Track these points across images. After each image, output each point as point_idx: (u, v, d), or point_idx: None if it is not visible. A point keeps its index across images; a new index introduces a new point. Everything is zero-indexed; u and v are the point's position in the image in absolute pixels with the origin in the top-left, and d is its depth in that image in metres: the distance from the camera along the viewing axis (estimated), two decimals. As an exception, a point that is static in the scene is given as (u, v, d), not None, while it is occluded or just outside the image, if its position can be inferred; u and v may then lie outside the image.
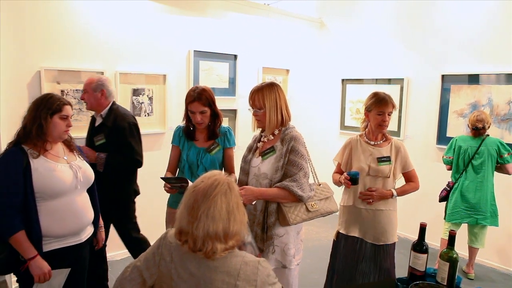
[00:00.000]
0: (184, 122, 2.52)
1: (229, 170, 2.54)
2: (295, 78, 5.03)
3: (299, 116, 5.11)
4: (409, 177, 2.59)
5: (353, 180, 2.44)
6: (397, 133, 4.46)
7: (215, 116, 2.49)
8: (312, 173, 2.26)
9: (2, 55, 2.94)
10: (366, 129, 2.62)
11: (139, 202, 3.81)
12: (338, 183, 2.60)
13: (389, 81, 4.60)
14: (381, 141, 2.57)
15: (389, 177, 2.49)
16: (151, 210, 3.85)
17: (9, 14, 2.96)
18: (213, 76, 4.28)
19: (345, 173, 2.49)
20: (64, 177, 2.00)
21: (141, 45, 3.68)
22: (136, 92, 3.74)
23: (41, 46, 3.14)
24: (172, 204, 2.57)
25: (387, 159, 2.50)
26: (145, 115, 3.83)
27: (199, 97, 2.38)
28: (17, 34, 3.02)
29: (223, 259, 1.26)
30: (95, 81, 2.83)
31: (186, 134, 2.50)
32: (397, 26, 4.49)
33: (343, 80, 5.06)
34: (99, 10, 3.40)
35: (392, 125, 4.51)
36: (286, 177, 2.05)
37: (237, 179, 2.34)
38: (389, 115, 2.50)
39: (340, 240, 2.66)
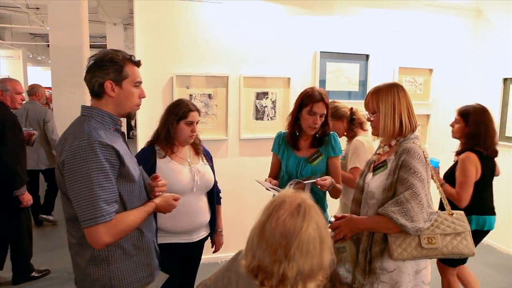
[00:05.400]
0: (289, 127, 2.32)
1: (335, 182, 2.26)
2: (441, 79, 4.32)
3: (442, 124, 4.39)
4: None
5: None
6: None
7: (325, 123, 2.25)
8: (441, 197, 1.81)
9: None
10: None
11: (245, 207, 3.78)
12: None
13: None
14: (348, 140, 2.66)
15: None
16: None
17: (144, 28, 3.31)
18: (341, 79, 4.00)
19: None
20: (182, 178, 2.13)
21: (265, 48, 3.67)
22: (259, 96, 3.75)
23: (173, 55, 3.41)
24: None
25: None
26: (268, 119, 3.80)
27: (324, 98, 2.19)
28: (151, 45, 3.35)
29: None
30: None
31: (289, 141, 2.30)
32: None
33: (505, 79, 4.10)
34: (224, 15, 3.52)
35: None
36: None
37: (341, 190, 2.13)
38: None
39: None
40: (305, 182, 2.05)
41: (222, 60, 3.56)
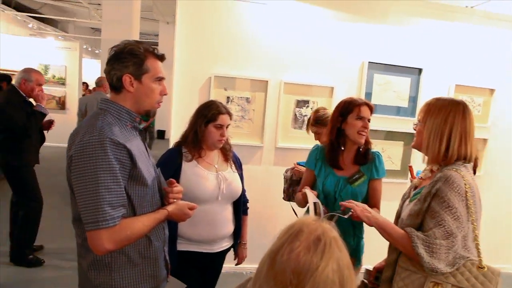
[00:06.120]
0: (329, 141, 2.11)
1: (373, 206, 2.04)
2: (502, 100, 3.91)
3: (501, 149, 3.98)
4: None
5: None
6: None
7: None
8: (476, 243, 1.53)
9: (178, 63, 3.26)
10: None
11: (275, 218, 3.61)
12: None
13: None
14: None
15: None
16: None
17: (185, 26, 3.26)
18: (389, 92, 3.73)
19: None
20: (207, 185, 2.01)
21: (309, 54, 3.49)
22: (299, 104, 3.58)
23: (213, 55, 3.33)
24: None
25: None
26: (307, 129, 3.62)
27: (367, 102, 2.05)
28: (192, 43, 3.29)
29: None
30: None
31: (329, 158, 2.10)
32: None
33: None
34: (268, 18, 3.39)
35: None
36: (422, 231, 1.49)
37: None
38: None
39: None
40: (345, 217, 1.74)
41: (263, 63, 3.43)
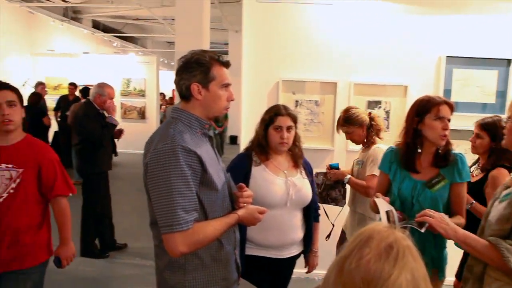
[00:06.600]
0: (404, 143, 1.96)
1: (456, 213, 1.88)
2: None
3: None
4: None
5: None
6: None
7: None
8: None
9: (246, 69, 3.34)
10: None
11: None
12: None
13: None
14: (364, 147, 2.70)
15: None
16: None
17: (251, 33, 3.33)
18: (471, 88, 3.43)
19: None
20: (276, 190, 2.03)
21: (379, 52, 3.35)
22: (371, 105, 3.44)
23: (280, 59, 3.37)
24: None
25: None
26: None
27: (446, 100, 1.89)
28: (258, 49, 3.36)
29: None
30: None
31: (404, 161, 1.95)
32: None
33: None
34: (334, 18, 3.33)
35: None
36: None
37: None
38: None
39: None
40: (421, 230, 1.57)
41: (331, 65, 3.37)
